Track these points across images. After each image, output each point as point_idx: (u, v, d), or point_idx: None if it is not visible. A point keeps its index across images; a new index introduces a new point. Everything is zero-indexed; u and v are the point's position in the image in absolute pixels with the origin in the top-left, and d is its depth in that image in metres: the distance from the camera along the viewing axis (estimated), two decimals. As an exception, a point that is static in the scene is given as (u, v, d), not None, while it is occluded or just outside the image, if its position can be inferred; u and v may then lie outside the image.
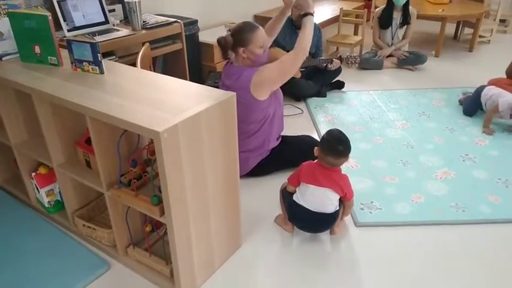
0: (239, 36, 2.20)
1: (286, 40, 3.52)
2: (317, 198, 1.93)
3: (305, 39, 2.23)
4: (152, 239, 1.91)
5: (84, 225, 1.99)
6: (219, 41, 2.26)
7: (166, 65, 3.32)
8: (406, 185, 2.45)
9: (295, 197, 2.00)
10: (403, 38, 4.36)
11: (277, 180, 2.40)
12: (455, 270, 1.87)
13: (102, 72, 1.84)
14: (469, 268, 1.88)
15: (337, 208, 1.98)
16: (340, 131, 1.96)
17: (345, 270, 1.88)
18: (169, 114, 1.46)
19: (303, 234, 2.08)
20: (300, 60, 2.26)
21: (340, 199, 1.98)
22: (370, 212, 2.22)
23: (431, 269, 1.88)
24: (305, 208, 1.95)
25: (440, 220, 2.17)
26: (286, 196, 2.06)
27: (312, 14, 2.28)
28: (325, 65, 3.53)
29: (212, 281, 1.83)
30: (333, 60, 3.39)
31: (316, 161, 1.98)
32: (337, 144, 1.89)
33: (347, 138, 1.92)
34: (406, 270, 1.87)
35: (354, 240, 2.05)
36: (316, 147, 1.96)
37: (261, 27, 2.25)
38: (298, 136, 2.66)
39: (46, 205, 2.15)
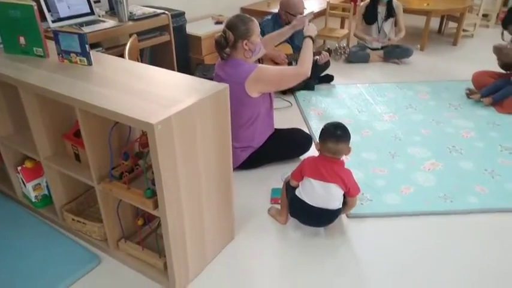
0: (242, 29, 2.18)
1: None
2: (320, 194, 1.91)
3: (306, 61, 2.29)
4: (144, 233, 1.89)
5: (73, 219, 1.95)
6: (218, 41, 2.20)
7: (154, 57, 3.27)
8: (396, 177, 2.48)
9: (297, 192, 1.98)
10: (398, 31, 4.39)
11: (269, 173, 2.40)
12: (445, 259, 1.91)
13: (90, 63, 1.80)
14: (458, 257, 1.92)
15: (341, 206, 1.97)
16: (339, 122, 1.98)
17: (338, 260, 1.90)
18: (162, 106, 1.44)
19: (296, 226, 2.08)
20: (299, 79, 2.31)
21: (344, 195, 1.96)
22: (362, 203, 2.24)
23: (422, 258, 1.91)
24: (307, 204, 1.93)
25: (430, 210, 2.20)
26: (290, 190, 2.04)
27: (311, 38, 2.36)
28: (315, 59, 3.52)
29: (205, 274, 1.82)
30: (321, 53, 3.38)
31: (318, 155, 1.98)
32: (334, 129, 1.91)
33: (345, 126, 1.94)
34: (397, 260, 1.90)
35: (346, 231, 2.07)
36: (316, 142, 1.94)
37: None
38: (288, 129, 2.66)
39: (33, 200, 2.10)
